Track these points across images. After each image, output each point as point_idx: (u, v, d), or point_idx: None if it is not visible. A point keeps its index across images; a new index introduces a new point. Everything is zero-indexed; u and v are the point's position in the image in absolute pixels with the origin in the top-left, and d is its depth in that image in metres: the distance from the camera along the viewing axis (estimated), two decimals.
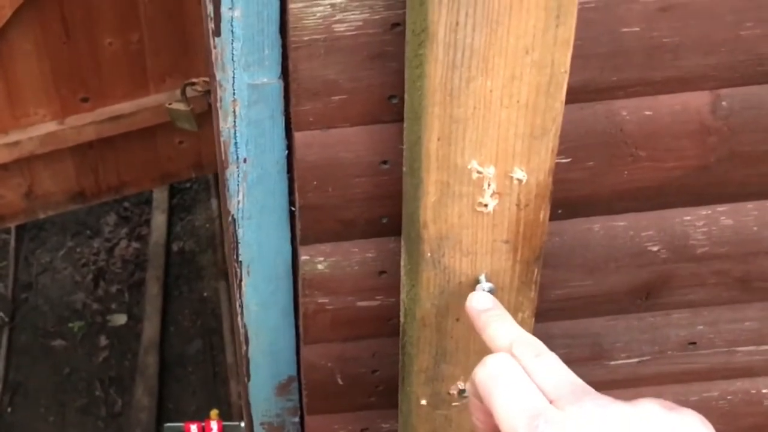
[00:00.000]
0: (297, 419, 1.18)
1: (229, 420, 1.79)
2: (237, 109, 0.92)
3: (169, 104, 2.48)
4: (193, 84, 2.40)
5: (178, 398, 3.02)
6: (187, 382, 3.07)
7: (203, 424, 1.78)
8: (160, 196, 3.59)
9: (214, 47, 0.89)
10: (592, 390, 0.70)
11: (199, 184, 3.68)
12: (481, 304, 0.83)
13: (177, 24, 2.56)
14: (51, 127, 2.67)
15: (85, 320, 3.26)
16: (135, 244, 3.52)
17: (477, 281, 0.91)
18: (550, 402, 0.68)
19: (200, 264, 3.42)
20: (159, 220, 3.54)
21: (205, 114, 2.50)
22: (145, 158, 2.96)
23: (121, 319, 3.27)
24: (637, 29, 0.86)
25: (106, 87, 2.68)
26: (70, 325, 3.24)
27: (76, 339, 3.21)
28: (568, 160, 0.95)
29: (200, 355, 3.14)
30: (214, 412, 1.87)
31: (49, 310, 3.30)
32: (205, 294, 3.31)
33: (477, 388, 0.72)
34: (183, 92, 2.41)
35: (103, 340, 3.21)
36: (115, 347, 3.18)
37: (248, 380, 1.12)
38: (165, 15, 2.54)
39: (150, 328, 3.16)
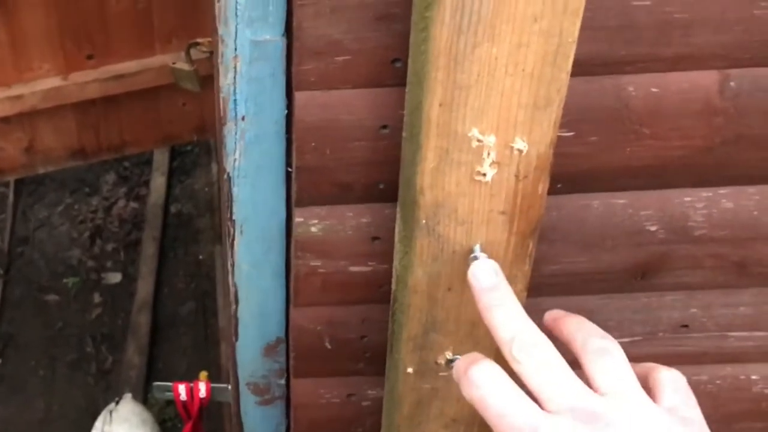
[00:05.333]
0: (283, 381, 1.17)
1: (218, 382, 1.79)
2: (238, 65, 0.91)
3: (173, 63, 2.46)
4: (198, 44, 2.38)
5: (169, 358, 3.02)
6: (178, 342, 3.07)
7: (192, 384, 1.79)
8: (161, 158, 3.58)
9: (218, 0, 0.87)
10: (591, 395, 0.67)
11: (201, 148, 3.66)
12: (486, 280, 0.77)
13: None
14: (54, 82, 2.66)
15: (80, 277, 3.26)
16: (133, 204, 3.51)
17: (471, 251, 0.90)
18: (548, 410, 0.66)
19: (197, 227, 3.41)
20: (158, 181, 3.53)
21: (209, 77, 2.48)
22: (147, 119, 2.96)
23: (115, 277, 3.27)
24: (649, 3, 0.85)
25: (112, 45, 2.67)
26: (65, 280, 3.24)
27: (70, 295, 3.21)
28: (571, 133, 0.93)
29: (192, 316, 3.14)
30: (203, 374, 1.87)
31: (44, 265, 3.29)
32: (200, 257, 3.30)
33: (469, 401, 0.70)
34: (187, 52, 2.39)
35: (96, 298, 3.21)
36: (108, 305, 3.18)
37: (236, 340, 1.11)
38: None
39: (144, 288, 3.15)
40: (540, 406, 0.68)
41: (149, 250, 3.29)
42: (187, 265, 3.29)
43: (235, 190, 0.98)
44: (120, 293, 3.20)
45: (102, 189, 3.55)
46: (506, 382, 0.69)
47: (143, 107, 2.92)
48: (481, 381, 0.70)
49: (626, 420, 0.67)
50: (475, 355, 0.74)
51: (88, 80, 2.68)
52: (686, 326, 1.09)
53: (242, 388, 1.17)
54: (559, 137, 0.87)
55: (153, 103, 2.90)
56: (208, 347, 3.00)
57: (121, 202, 3.51)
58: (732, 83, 0.91)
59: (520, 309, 0.75)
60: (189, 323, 3.11)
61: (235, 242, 1.02)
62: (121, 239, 3.39)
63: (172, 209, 3.48)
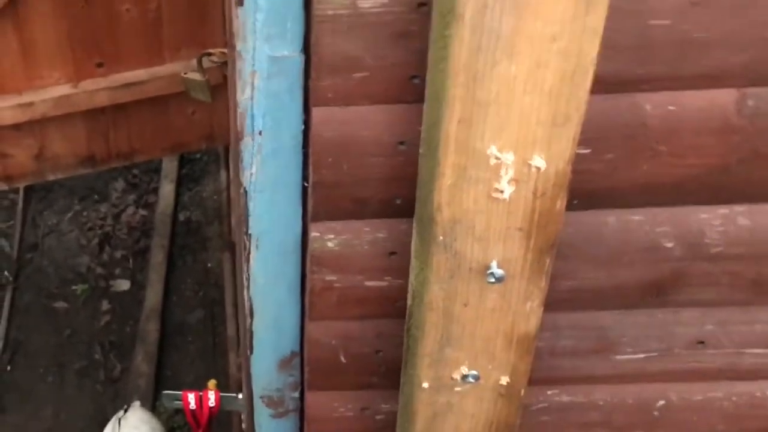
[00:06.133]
0: (297, 394, 1.17)
1: (226, 391, 1.79)
2: (256, 81, 0.91)
3: (185, 73, 2.47)
4: (210, 54, 2.38)
5: (177, 366, 3.02)
6: (186, 351, 3.07)
7: (201, 393, 1.78)
8: (170, 166, 3.58)
9: (237, 17, 0.88)
10: None
11: (209, 156, 3.66)
12: None
13: None
14: (65, 90, 2.66)
15: (89, 284, 3.26)
16: (142, 212, 3.51)
17: (488, 268, 0.90)
18: None
19: (206, 235, 3.41)
20: (167, 189, 3.53)
21: (220, 86, 2.49)
22: (156, 127, 2.96)
23: (124, 284, 3.27)
24: (667, 23, 0.85)
25: (122, 53, 2.67)
26: (74, 287, 3.24)
27: (78, 302, 3.21)
28: (588, 150, 0.94)
29: (201, 325, 3.14)
30: (212, 383, 1.87)
31: (53, 272, 3.30)
32: (209, 265, 3.30)
33: None
34: (199, 62, 2.40)
35: (105, 305, 3.21)
36: (116, 312, 3.18)
37: (251, 353, 1.12)
38: None
39: (152, 296, 3.15)
40: None
41: (158, 257, 3.29)
42: (195, 273, 3.29)
43: (251, 205, 0.99)
44: (128, 301, 3.20)
45: (111, 196, 3.55)
46: None
47: (152, 115, 2.92)
48: None
49: None
50: None
51: (98, 88, 2.69)
52: (702, 343, 1.09)
53: (256, 401, 1.17)
54: (577, 154, 0.87)
55: (162, 111, 2.90)
56: (217, 355, 3.00)
57: (130, 210, 3.51)
58: (750, 102, 0.91)
59: None
60: (197, 331, 3.11)
61: (251, 256, 1.02)
62: (130, 247, 3.39)
63: (181, 217, 3.48)
